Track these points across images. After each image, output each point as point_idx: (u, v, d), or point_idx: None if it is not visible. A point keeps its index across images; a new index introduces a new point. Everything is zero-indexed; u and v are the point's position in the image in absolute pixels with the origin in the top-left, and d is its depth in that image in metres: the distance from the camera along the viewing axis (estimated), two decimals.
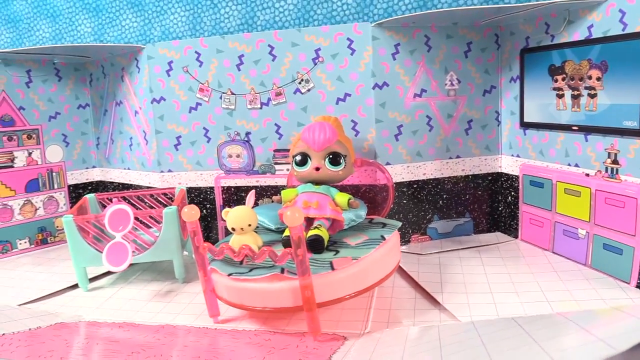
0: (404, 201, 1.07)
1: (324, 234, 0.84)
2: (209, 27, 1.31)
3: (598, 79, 0.88)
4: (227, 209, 0.86)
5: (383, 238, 0.86)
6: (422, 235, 1.10)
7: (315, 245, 0.82)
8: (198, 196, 1.13)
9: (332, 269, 0.77)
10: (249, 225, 0.84)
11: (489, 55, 1.08)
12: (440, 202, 1.10)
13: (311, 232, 0.83)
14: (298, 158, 0.91)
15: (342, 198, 0.89)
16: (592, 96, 0.89)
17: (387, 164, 1.05)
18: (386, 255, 0.84)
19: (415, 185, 1.08)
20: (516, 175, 1.08)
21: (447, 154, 1.09)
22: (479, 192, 1.12)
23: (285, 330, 0.81)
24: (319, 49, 1.04)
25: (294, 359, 0.70)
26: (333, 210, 0.87)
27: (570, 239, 0.96)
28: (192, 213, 0.82)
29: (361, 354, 0.71)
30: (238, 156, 1.10)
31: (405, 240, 1.08)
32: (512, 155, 1.09)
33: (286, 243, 0.81)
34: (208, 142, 1.11)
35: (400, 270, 0.97)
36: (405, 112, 1.05)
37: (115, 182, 1.26)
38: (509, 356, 0.59)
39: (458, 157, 1.10)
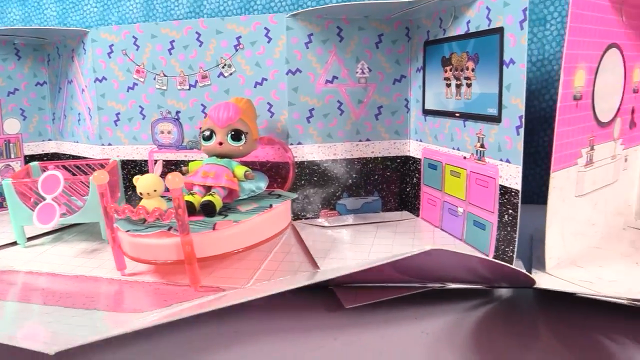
0: (315, 178, 1.17)
1: (216, 200, 0.94)
2: (161, 14, 1.43)
3: (472, 70, 0.96)
4: (137, 176, 0.98)
5: (270, 206, 0.96)
6: (331, 210, 1.19)
7: (207, 209, 0.93)
8: (134, 168, 1.25)
9: (213, 229, 0.88)
10: (155, 190, 0.95)
11: (399, 46, 1.17)
12: (350, 181, 1.19)
13: (205, 198, 0.94)
14: (205, 133, 1.02)
15: (240, 170, 1.00)
16: (469, 85, 0.97)
17: (299, 143, 1.15)
18: (269, 221, 0.95)
19: (326, 164, 1.17)
20: (420, 159, 1.17)
21: (357, 136, 1.18)
22: (388, 174, 1.21)
23: (177, 282, 0.92)
24: (240, 37, 1.14)
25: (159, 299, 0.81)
26: (228, 181, 0.97)
27: (452, 217, 1.05)
28: (101, 177, 0.93)
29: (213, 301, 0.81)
30: (169, 132, 1.21)
31: (315, 214, 1.18)
32: (417, 140, 1.17)
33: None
34: (143, 119, 1.22)
35: (300, 239, 1.08)
36: (317, 97, 1.14)
37: (68, 154, 1.38)
38: None
39: (368, 140, 1.19)
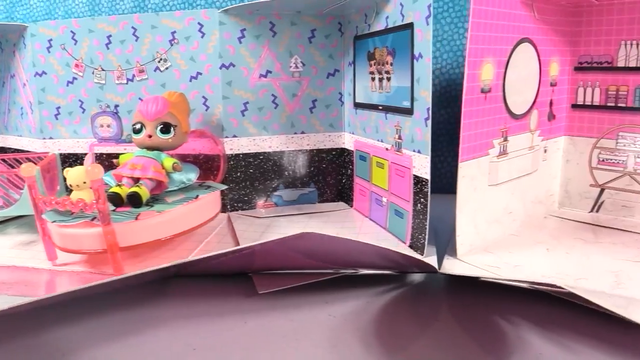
0: (251, 170, 1.20)
1: (143, 191, 0.97)
2: (106, 9, 1.44)
3: (391, 64, 0.99)
4: (67, 168, 1.00)
5: (196, 197, 0.99)
6: (267, 201, 1.22)
7: (133, 200, 0.95)
8: (75, 161, 1.27)
9: (136, 219, 0.90)
10: (84, 182, 0.97)
11: (332, 41, 1.20)
12: (286, 172, 1.22)
13: (131, 189, 0.96)
14: (136, 127, 1.04)
15: (168, 162, 1.02)
16: (388, 79, 1.01)
17: (234, 136, 1.17)
18: (194, 211, 0.98)
19: (261, 157, 1.20)
20: (353, 151, 1.20)
21: (292, 129, 1.21)
22: (324, 165, 1.24)
23: (104, 272, 0.95)
24: (174, 32, 1.16)
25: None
26: (155, 172, 1.00)
27: (378, 207, 1.09)
28: (28, 170, 0.95)
29: None
30: (108, 126, 1.23)
31: (251, 205, 1.21)
32: (350, 133, 1.21)
33: (111, 197, 0.95)
34: (83, 112, 1.24)
35: (233, 229, 1.10)
36: (251, 91, 1.17)
37: (13, 148, 1.39)
38: None
39: (303, 132, 1.22)
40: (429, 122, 0.87)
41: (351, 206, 1.22)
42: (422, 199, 0.92)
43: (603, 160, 1.12)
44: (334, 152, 1.24)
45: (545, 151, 1.11)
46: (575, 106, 1.14)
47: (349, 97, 1.19)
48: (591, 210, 1.14)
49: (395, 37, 0.96)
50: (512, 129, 1.00)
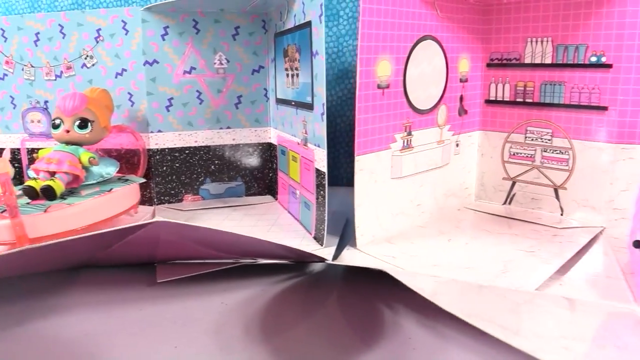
0: (177, 164, 1.23)
1: (57, 184, 1.00)
2: (46, 5, 1.47)
3: (299, 61, 1.02)
4: None
5: (110, 190, 1.02)
6: (195, 195, 1.25)
7: (46, 193, 0.98)
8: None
9: (45, 211, 0.93)
10: None
11: (257, 38, 1.23)
12: (212, 166, 1.25)
13: (44, 183, 0.99)
14: (55, 122, 1.07)
15: (85, 157, 1.05)
16: (297, 76, 1.04)
17: (159, 131, 1.20)
18: (107, 203, 1.01)
19: (187, 151, 1.23)
20: (276, 145, 1.24)
21: (218, 124, 1.24)
22: (250, 160, 1.27)
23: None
24: (100, 29, 1.18)
25: None
26: (71, 166, 1.03)
27: (293, 199, 1.12)
28: None
29: None
30: (39, 121, 1.25)
31: (178, 199, 1.24)
32: (275, 128, 1.24)
33: (26, 190, 0.98)
34: (14, 108, 1.26)
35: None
36: (175, 87, 1.20)
37: None
38: None
39: (229, 127, 1.25)
40: (324, 116, 0.90)
41: (276, 199, 1.25)
42: (322, 192, 0.95)
43: (514, 154, 1.15)
44: (260, 147, 1.28)
45: (457, 145, 1.14)
46: (488, 101, 1.17)
47: (272, 93, 1.22)
48: (504, 203, 1.18)
49: (300, 35, 0.99)
50: (417, 124, 1.03)
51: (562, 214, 1.10)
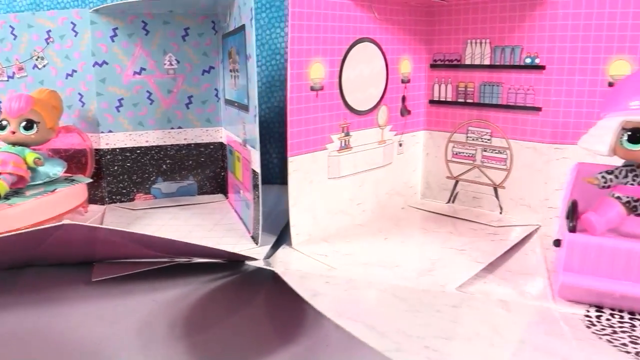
0: (128, 164, 1.25)
1: (0, 185, 1.01)
2: (4, 5, 1.48)
3: (238, 62, 1.04)
4: None
5: (53, 190, 1.04)
6: (146, 194, 1.27)
7: None
8: None
9: None
10: None
11: (206, 39, 1.24)
12: (164, 166, 1.27)
13: None
14: (3, 123, 1.08)
15: (30, 157, 1.07)
16: (238, 77, 1.05)
17: (110, 131, 1.22)
18: (50, 203, 1.02)
19: (138, 151, 1.25)
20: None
21: (169, 124, 1.26)
22: (202, 159, 1.29)
23: None
24: (50, 31, 1.20)
25: None
26: (15, 167, 1.04)
27: (238, 198, 1.14)
28: None
29: None
30: None
31: (129, 198, 1.26)
32: (226, 128, 1.26)
33: None
34: None
35: (102, 221, 1.16)
36: (125, 87, 1.21)
37: None
38: None
39: (180, 127, 1.27)
40: (257, 118, 0.92)
41: (227, 198, 1.27)
42: (256, 191, 0.97)
43: (456, 154, 1.17)
44: (212, 146, 1.29)
45: (400, 145, 1.16)
46: (432, 102, 1.19)
47: (223, 93, 1.24)
48: (448, 201, 1.20)
49: (239, 37, 1.01)
50: (356, 125, 1.05)
51: (501, 213, 1.12)
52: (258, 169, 0.94)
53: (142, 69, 1.22)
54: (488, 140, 1.11)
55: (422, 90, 1.18)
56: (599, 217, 0.77)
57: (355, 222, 1.08)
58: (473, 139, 1.13)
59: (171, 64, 1.23)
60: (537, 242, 1.01)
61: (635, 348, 0.64)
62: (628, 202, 0.77)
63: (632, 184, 0.78)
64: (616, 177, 0.79)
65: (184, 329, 0.77)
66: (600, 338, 0.67)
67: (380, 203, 1.14)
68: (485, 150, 1.12)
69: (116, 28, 1.19)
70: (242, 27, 0.96)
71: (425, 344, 0.63)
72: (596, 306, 0.76)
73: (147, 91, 1.23)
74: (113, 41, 1.19)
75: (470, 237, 1.02)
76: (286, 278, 0.78)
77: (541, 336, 0.69)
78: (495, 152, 1.11)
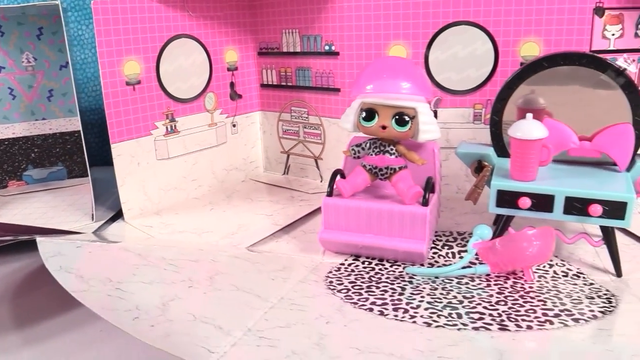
0: None
1: None
2: None
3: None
4: None
5: None
6: (19, 181, 1.41)
7: None
8: None
9: None
10: None
11: (60, 37, 1.36)
12: (33, 154, 1.41)
13: None
14: None
15: None
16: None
17: None
18: None
19: (6, 143, 1.38)
20: None
21: (33, 117, 1.39)
22: (69, 146, 1.43)
23: None
24: None
25: None
26: None
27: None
28: None
29: None
30: None
31: (2, 185, 1.40)
32: None
33: None
34: None
35: None
36: None
37: None
38: None
39: (44, 119, 1.40)
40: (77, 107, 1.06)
41: None
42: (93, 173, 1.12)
43: (285, 131, 1.33)
44: (76, 134, 1.43)
45: (234, 126, 1.31)
46: (263, 85, 1.34)
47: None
48: (283, 173, 1.36)
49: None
50: (182, 111, 1.19)
51: (321, 181, 1.29)
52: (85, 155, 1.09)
53: (2, 67, 1.34)
54: (306, 118, 1.27)
55: (253, 76, 1.33)
56: (346, 183, 0.94)
57: (190, 196, 1.24)
58: (296, 118, 1.29)
59: (29, 62, 1.36)
60: None
61: (340, 286, 0.81)
62: (370, 169, 0.94)
63: (371, 155, 0.94)
64: (363, 149, 0.95)
65: None
66: (325, 280, 0.84)
67: (218, 178, 1.29)
68: (305, 127, 1.28)
69: None
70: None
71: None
72: (356, 256, 0.93)
73: (9, 88, 1.35)
74: None
75: (283, 204, 1.18)
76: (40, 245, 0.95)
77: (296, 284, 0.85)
78: (312, 128, 1.27)
